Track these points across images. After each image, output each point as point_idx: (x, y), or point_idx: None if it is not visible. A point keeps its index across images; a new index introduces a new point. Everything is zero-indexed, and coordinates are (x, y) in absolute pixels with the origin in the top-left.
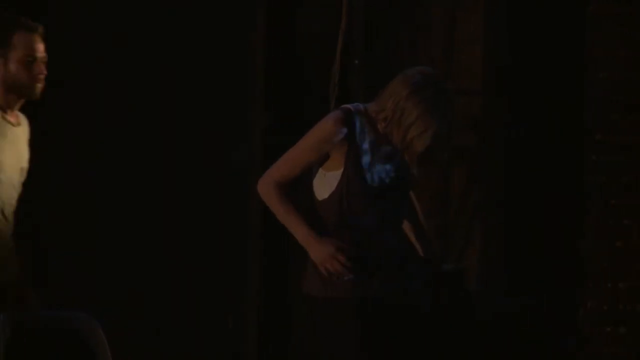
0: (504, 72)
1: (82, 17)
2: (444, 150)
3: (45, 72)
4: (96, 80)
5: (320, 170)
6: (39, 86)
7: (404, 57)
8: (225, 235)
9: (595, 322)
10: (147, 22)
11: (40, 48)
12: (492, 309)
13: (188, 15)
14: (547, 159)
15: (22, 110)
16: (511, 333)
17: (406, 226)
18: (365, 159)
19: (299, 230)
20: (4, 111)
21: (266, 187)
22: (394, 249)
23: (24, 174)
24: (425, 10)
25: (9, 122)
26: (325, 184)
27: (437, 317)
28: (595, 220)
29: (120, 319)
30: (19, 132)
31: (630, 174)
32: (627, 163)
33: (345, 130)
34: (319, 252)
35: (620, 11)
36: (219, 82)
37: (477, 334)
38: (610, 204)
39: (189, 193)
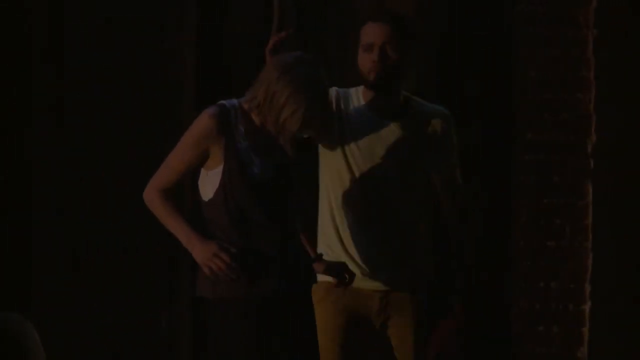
0: (434, 72)
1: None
2: (319, 132)
3: None
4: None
5: (202, 170)
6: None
7: (336, 55)
8: (156, 232)
9: (527, 322)
10: (79, 18)
11: None
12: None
13: (119, 13)
14: (478, 158)
15: None
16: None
17: (300, 228)
18: (244, 153)
19: (181, 232)
20: None
21: (149, 195)
22: (286, 245)
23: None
24: (356, 8)
25: None
26: (208, 184)
27: None
28: (527, 219)
29: (53, 318)
30: None
31: (562, 174)
32: (558, 162)
33: (220, 124)
34: (201, 252)
35: (549, 10)
36: (149, 83)
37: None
38: (542, 204)
39: (123, 193)
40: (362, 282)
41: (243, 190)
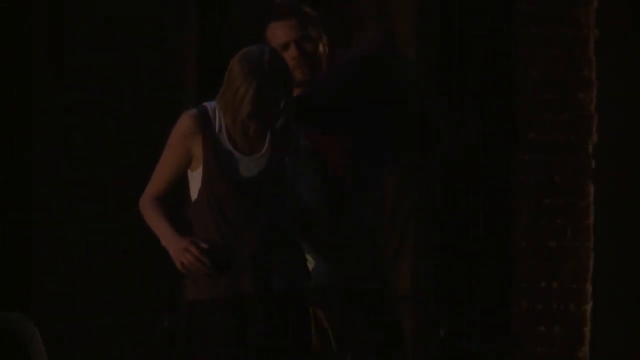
0: (437, 72)
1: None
2: (271, 123)
3: None
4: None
5: (188, 171)
6: None
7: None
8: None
9: (528, 322)
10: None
11: None
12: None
13: (119, 13)
14: (479, 158)
15: None
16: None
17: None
18: (225, 152)
19: (162, 232)
20: None
21: (141, 204)
22: (270, 245)
23: None
24: (358, 7)
25: None
26: (194, 184)
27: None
28: (528, 219)
29: (54, 318)
30: None
31: (563, 174)
32: (559, 162)
33: (198, 122)
34: (174, 246)
35: (550, 10)
36: (150, 83)
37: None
38: (543, 204)
39: (123, 193)
40: None
41: (223, 190)
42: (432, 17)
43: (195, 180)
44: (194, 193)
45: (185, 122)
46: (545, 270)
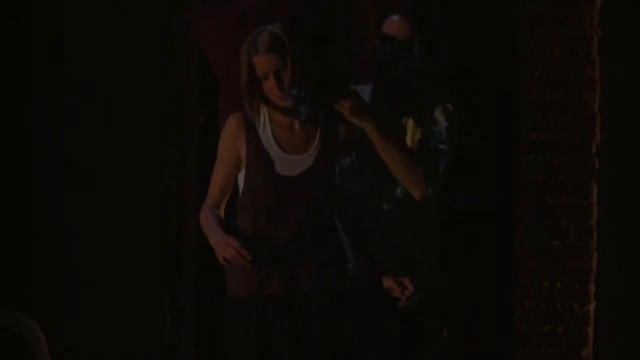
0: (437, 72)
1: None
2: (279, 97)
3: None
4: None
5: (238, 175)
6: None
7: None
8: (161, 230)
9: (532, 322)
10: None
11: None
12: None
13: (119, 13)
14: (481, 158)
15: None
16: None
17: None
18: (268, 151)
19: (210, 232)
20: None
21: (201, 215)
22: (308, 245)
23: None
24: (360, 7)
25: None
26: (241, 185)
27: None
28: (531, 219)
29: (54, 319)
30: None
31: (567, 174)
32: (563, 162)
33: (241, 124)
34: (217, 241)
35: (554, 10)
36: (150, 83)
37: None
38: (547, 204)
39: (124, 193)
40: None
41: (260, 189)
42: (436, 16)
43: (242, 181)
44: (240, 194)
45: (229, 125)
46: (549, 270)
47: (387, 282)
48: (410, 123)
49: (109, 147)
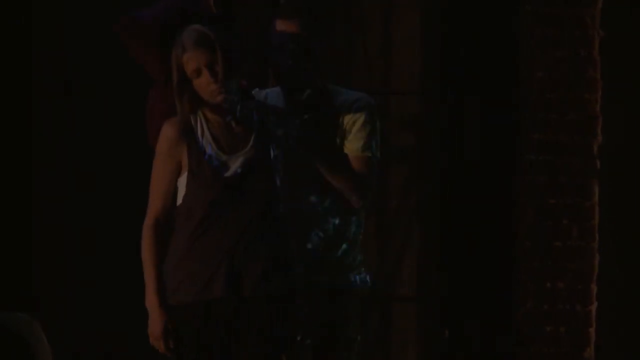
0: (442, 72)
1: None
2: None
3: None
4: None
5: (178, 179)
6: None
7: (341, 56)
8: None
9: (534, 322)
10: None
11: None
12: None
13: (119, 13)
14: (484, 158)
15: None
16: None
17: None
18: (207, 155)
19: (148, 287)
20: None
21: (144, 231)
22: (249, 247)
23: None
24: (361, 8)
25: None
26: (180, 191)
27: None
28: (533, 220)
29: (54, 319)
30: None
31: (568, 174)
32: (565, 163)
33: (180, 129)
34: (151, 324)
35: (555, 10)
36: (151, 83)
37: None
38: (549, 204)
39: (124, 193)
40: None
41: (202, 193)
42: (438, 17)
43: (181, 185)
44: (179, 199)
45: (168, 131)
46: (551, 271)
47: None
48: (334, 123)
49: (109, 147)
